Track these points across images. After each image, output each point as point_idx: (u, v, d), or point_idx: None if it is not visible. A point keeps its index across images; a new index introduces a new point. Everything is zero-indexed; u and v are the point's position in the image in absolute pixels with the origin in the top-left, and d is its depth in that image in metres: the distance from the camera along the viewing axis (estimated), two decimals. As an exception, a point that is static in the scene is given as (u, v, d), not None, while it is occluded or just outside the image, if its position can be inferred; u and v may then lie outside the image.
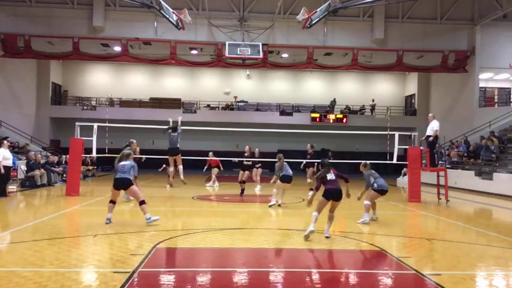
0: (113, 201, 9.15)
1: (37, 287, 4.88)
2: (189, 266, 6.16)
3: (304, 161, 15.90)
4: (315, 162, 15.31)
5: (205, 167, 19.35)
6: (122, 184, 9.02)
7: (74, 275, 5.43)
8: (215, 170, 18.81)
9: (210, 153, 18.66)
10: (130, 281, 5.15)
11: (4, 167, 12.90)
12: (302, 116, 30.37)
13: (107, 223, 8.79)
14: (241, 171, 15.27)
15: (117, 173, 9.14)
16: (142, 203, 9.01)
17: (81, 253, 6.67)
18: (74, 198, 13.23)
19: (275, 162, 12.33)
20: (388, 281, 5.69)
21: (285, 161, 12.17)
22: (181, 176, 13.11)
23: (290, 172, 12.09)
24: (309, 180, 15.53)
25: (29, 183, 16.43)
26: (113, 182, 9.10)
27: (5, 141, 14.27)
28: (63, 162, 19.78)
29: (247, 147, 16.04)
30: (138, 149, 16.26)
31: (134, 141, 13.51)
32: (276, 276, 5.76)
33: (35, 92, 28.79)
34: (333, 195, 7.88)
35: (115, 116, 26.11)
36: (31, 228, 8.54)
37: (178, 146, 13.30)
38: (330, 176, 8.06)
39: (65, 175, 17.60)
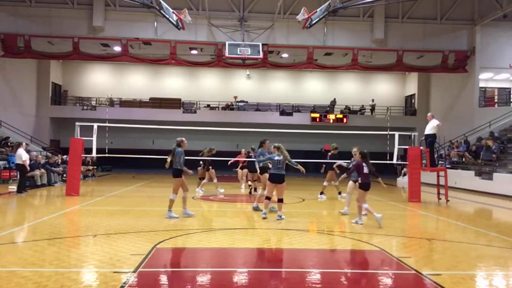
0: (268, 198, 9.91)
1: (37, 287, 4.88)
2: (189, 266, 6.16)
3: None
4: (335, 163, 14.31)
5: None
6: (278, 179, 9.69)
7: (74, 275, 5.43)
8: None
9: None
10: (130, 281, 5.15)
11: (22, 165, 14.15)
12: (302, 116, 30.37)
13: (264, 217, 9.71)
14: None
15: (272, 168, 9.84)
16: (280, 200, 9.80)
17: (81, 253, 6.67)
18: (74, 198, 13.22)
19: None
20: (388, 281, 5.69)
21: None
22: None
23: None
24: (325, 183, 14.65)
25: (29, 183, 16.41)
26: (269, 176, 9.85)
27: (24, 143, 15.56)
28: (60, 162, 19.77)
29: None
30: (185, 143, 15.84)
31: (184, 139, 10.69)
32: (276, 276, 5.76)
33: (35, 92, 28.80)
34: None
35: (115, 116, 26.12)
36: (31, 228, 8.54)
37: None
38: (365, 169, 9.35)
39: (65, 175, 17.60)
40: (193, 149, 29.02)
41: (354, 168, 9.75)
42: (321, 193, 14.56)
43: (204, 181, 15.70)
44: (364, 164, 9.45)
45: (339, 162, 13.86)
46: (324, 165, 14.77)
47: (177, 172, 9.85)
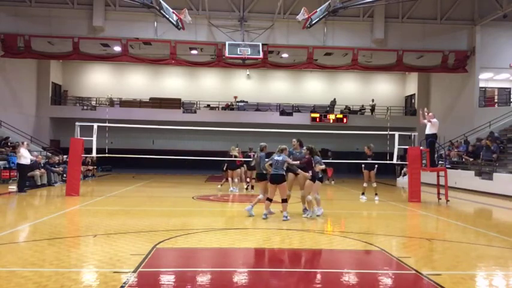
0: (269, 199, 9.91)
1: (37, 287, 4.87)
2: (189, 266, 6.16)
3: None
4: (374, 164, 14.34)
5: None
6: (276, 180, 9.70)
7: (74, 275, 5.43)
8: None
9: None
10: (130, 281, 5.15)
11: (23, 165, 14.30)
12: (302, 116, 30.35)
13: (263, 218, 9.74)
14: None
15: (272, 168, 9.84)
16: (284, 201, 9.86)
17: (81, 253, 6.67)
18: (74, 198, 13.23)
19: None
20: (388, 281, 5.69)
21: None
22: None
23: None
24: (365, 185, 14.67)
25: (29, 183, 16.41)
26: (269, 177, 9.83)
27: (25, 143, 15.69)
28: (60, 162, 19.77)
29: None
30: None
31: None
32: (276, 276, 5.76)
33: (35, 92, 28.78)
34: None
35: (115, 116, 26.08)
36: (31, 228, 8.54)
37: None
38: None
39: (65, 175, 17.60)
40: (194, 149, 29.10)
41: (305, 162, 10.34)
42: (362, 193, 14.57)
43: (236, 180, 16.16)
44: (312, 160, 10.23)
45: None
46: (363, 166, 14.73)
47: (263, 176, 10.33)
